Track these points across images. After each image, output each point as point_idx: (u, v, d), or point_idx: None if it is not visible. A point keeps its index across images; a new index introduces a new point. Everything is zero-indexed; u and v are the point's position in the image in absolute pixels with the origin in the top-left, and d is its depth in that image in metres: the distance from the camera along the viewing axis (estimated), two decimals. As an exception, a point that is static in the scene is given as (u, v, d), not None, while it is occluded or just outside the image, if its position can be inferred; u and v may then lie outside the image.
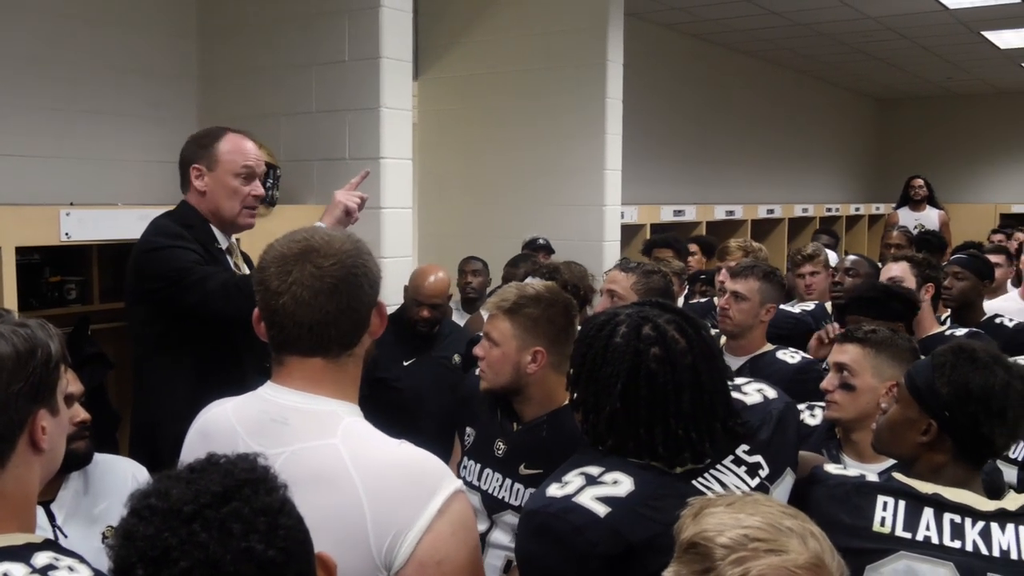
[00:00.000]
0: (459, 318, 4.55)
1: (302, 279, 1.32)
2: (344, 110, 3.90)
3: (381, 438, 1.34)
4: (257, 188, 2.57)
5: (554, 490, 1.43)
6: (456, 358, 3.66)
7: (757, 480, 1.56)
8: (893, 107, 12.18)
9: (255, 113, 4.12)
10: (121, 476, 1.90)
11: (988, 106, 11.35)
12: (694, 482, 1.49)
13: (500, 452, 2.14)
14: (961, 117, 11.54)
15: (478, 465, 2.19)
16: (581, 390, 1.54)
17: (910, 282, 3.27)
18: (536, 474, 2.03)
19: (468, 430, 2.27)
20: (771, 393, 1.69)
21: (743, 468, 1.56)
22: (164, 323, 2.46)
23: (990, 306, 3.94)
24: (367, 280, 1.38)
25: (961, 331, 3.15)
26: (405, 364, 3.59)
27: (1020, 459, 2.20)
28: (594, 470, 1.45)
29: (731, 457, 1.56)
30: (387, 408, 3.45)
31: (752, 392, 1.67)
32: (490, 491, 2.13)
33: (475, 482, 2.17)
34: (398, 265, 3.84)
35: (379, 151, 3.81)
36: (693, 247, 4.78)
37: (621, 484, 1.41)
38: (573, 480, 1.44)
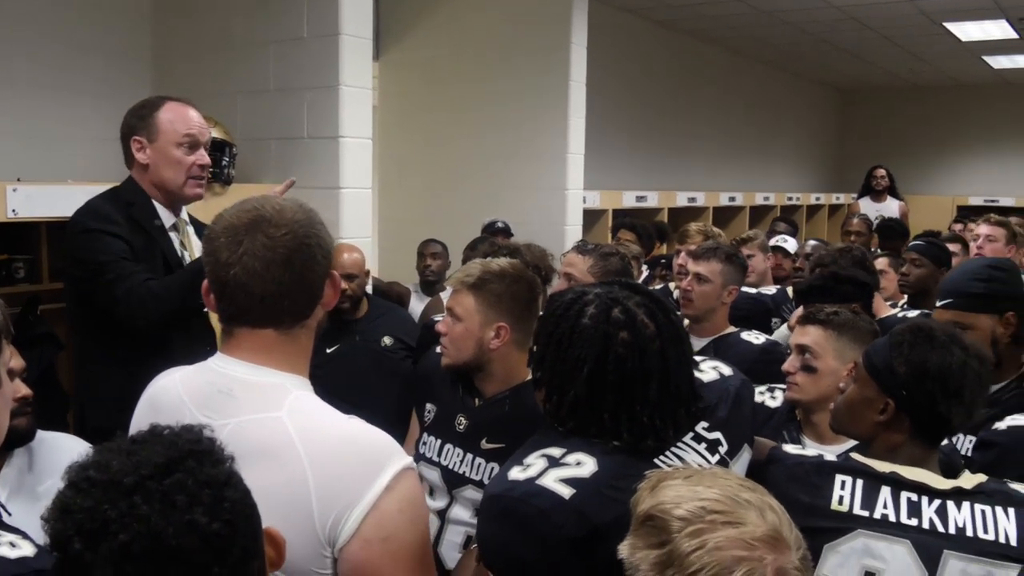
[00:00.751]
0: (418, 301, 4.52)
1: (253, 249, 1.28)
2: (303, 88, 3.84)
3: (330, 412, 1.31)
4: (203, 157, 2.49)
5: (516, 473, 1.39)
6: (386, 340, 3.61)
7: (717, 456, 1.54)
8: (856, 98, 12.29)
9: (211, 91, 4.04)
10: (67, 454, 1.83)
11: (948, 99, 11.47)
12: (656, 460, 1.46)
13: (461, 427, 2.13)
14: (922, 109, 11.66)
15: (438, 441, 2.17)
16: (545, 370, 1.50)
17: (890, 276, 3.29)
18: (498, 448, 2.03)
19: (428, 406, 2.25)
20: (727, 370, 1.68)
21: (703, 445, 1.54)
22: (85, 304, 2.40)
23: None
24: (320, 250, 1.35)
25: (913, 313, 3.18)
26: (328, 351, 3.54)
27: (966, 454, 2.21)
28: (556, 452, 1.42)
29: (691, 434, 1.54)
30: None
31: (708, 370, 1.66)
32: (450, 466, 2.12)
33: (435, 458, 2.16)
34: (358, 246, 3.78)
35: (338, 130, 3.76)
36: (629, 235, 4.78)
37: (584, 465, 1.38)
38: (535, 462, 1.40)
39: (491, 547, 1.40)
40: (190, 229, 2.58)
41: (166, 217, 2.50)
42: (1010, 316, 2.44)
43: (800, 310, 3.06)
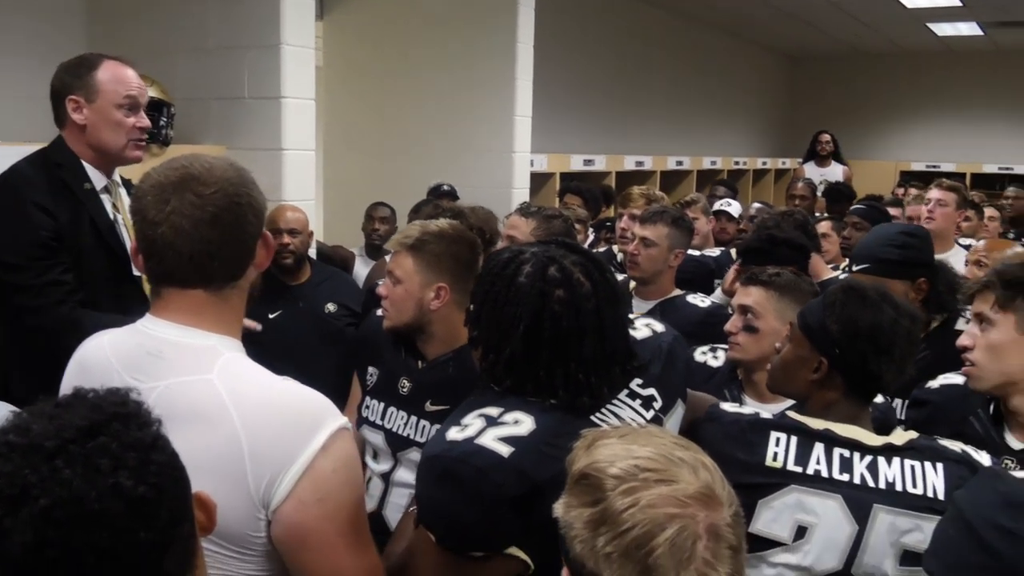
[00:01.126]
0: (363, 265, 4.48)
1: (181, 208, 1.25)
2: (243, 47, 3.74)
3: (262, 374, 1.29)
4: (142, 119, 2.41)
5: (454, 433, 1.40)
6: (330, 306, 3.59)
7: (652, 412, 1.56)
8: (803, 64, 12.39)
9: (148, 49, 3.91)
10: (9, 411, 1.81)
11: (894, 66, 11.61)
12: (592, 418, 1.48)
13: (405, 390, 2.12)
14: (868, 76, 11.79)
15: (381, 404, 2.16)
16: (482, 329, 1.51)
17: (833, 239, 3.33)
18: (443, 410, 2.02)
19: (370, 370, 2.23)
20: (659, 327, 1.69)
21: (638, 401, 1.56)
22: None
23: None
24: (251, 209, 1.32)
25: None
26: (271, 317, 3.51)
27: (902, 417, 2.26)
28: (493, 411, 1.42)
29: (626, 391, 1.55)
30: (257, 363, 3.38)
31: (641, 327, 1.67)
32: (394, 429, 2.11)
33: (378, 421, 2.15)
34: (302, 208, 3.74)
35: (280, 90, 3.67)
36: (576, 200, 4.78)
37: (522, 424, 1.39)
38: (473, 422, 1.41)
39: (431, 509, 1.40)
40: (122, 191, 2.49)
41: (97, 179, 2.40)
42: (922, 282, 2.55)
43: (732, 272, 3.12)
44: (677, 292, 3.09)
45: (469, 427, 1.40)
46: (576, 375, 1.44)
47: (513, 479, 1.33)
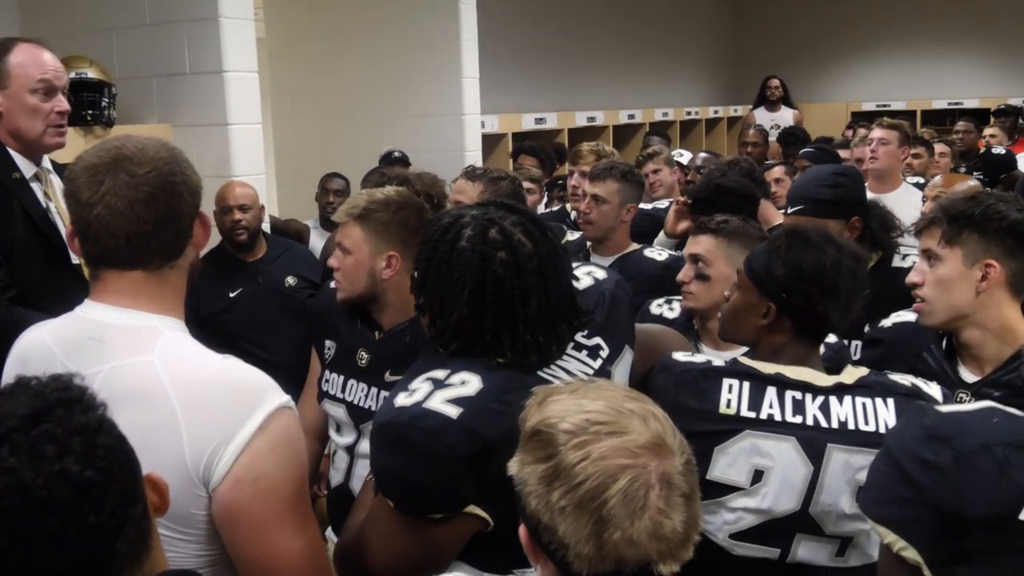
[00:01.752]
0: (319, 237, 4.46)
1: (115, 188, 1.25)
2: (180, 21, 3.67)
3: (202, 353, 1.30)
4: (61, 103, 2.35)
5: (402, 399, 1.41)
6: (290, 280, 3.58)
7: (599, 362, 1.58)
8: (746, 8, 12.34)
9: (84, 27, 3.84)
10: None
11: (838, 6, 11.57)
12: (540, 373, 1.50)
13: (364, 362, 2.12)
14: (813, 17, 11.76)
15: (341, 377, 2.15)
16: (427, 294, 1.51)
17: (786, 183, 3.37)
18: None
19: (327, 343, 2.23)
20: (600, 274, 1.71)
21: (584, 352, 1.58)
22: None
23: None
24: (187, 188, 1.32)
25: None
26: (231, 295, 3.50)
27: (857, 357, 2.31)
28: (440, 374, 1.44)
29: (571, 344, 1.57)
30: (220, 344, 3.38)
31: (583, 276, 1.69)
32: (355, 402, 2.11)
33: (339, 394, 2.15)
34: (251, 184, 3.70)
35: (221, 64, 3.62)
36: (530, 160, 4.76)
37: (469, 384, 1.41)
38: (420, 387, 1.42)
39: (386, 475, 1.42)
40: (54, 178, 2.43)
41: (26, 168, 2.35)
42: (855, 220, 2.60)
43: (672, 212, 3.14)
44: (634, 247, 3.10)
45: (417, 391, 1.41)
46: (524, 335, 1.46)
47: (464, 439, 1.35)
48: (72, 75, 3.27)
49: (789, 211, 2.66)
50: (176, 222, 1.32)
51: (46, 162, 2.44)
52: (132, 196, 1.26)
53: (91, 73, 3.52)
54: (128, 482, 0.91)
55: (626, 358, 1.66)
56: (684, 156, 4.86)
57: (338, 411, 2.15)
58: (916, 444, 1.01)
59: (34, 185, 2.37)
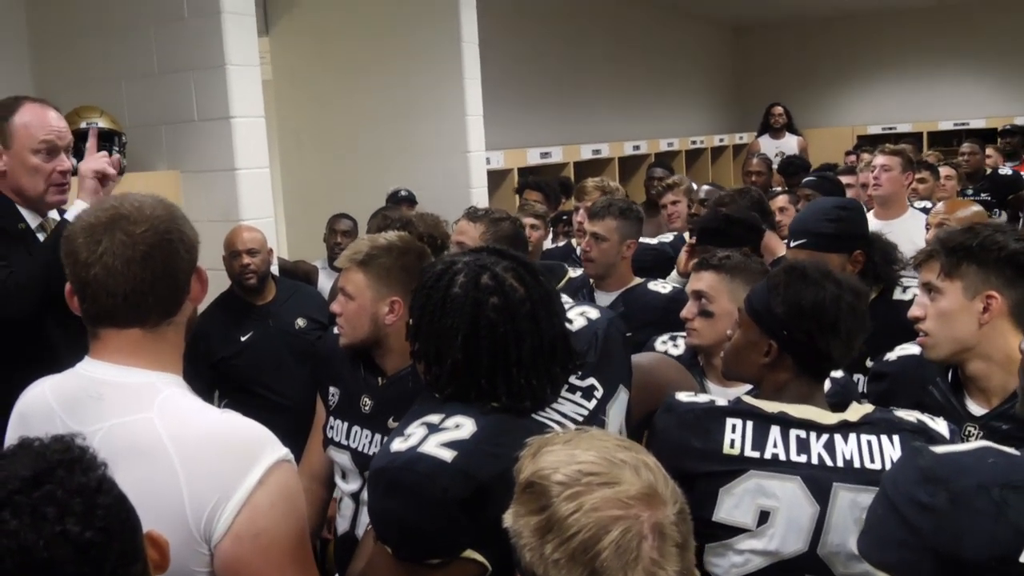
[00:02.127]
0: (327, 278, 4.48)
1: (112, 248, 1.27)
2: (188, 70, 3.74)
3: (201, 409, 1.31)
4: (63, 163, 2.37)
5: (398, 444, 1.42)
6: (300, 322, 3.61)
7: (594, 402, 1.59)
8: (748, 35, 12.39)
9: (94, 77, 3.92)
10: None
11: (840, 30, 11.62)
12: (534, 416, 1.51)
13: (367, 408, 2.12)
14: (815, 42, 11.81)
15: (345, 424, 2.16)
16: (422, 341, 1.53)
17: (790, 211, 3.37)
18: None
19: (332, 389, 2.23)
20: (593, 314, 1.73)
21: (578, 394, 1.59)
22: None
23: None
24: (183, 245, 1.34)
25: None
26: (243, 339, 3.52)
27: (863, 391, 2.30)
28: (435, 418, 1.45)
29: (566, 386, 1.58)
30: (232, 387, 3.40)
31: (576, 317, 1.70)
32: (360, 448, 2.11)
33: (343, 441, 2.15)
34: (259, 227, 3.73)
35: (228, 110, 3.68)
36: (535, 195, 4.77)
37: (463, 427, 1.42)
38: (415, 431, 1.43)
39: (383, 520, 1.43)
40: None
41: (31, 218, 2.39)
42: (858, 254, 2.59)
43: (684, 252, 3.15)
44: (637, 280, 3.11)
45: (412, 436, 1.43)
46: (518, 379, 1.47)
47: (458, 482, 1.35)
48: (83, 125, 3.33)
49: (791, 244, 2.66)
50: (173, 279, 1.33)
51: (53, 213, 2.47)
52: (129, 255, 1.28)
53: (102, 123, 3.58)
54: (128, 541, 0.92)
55: (621, 397, 1.67)
56: (701, 190, 4.84)
57: (343, 458, 2.15)
58: (912, 486, 1.01)
59: (40, 235, 2.40)
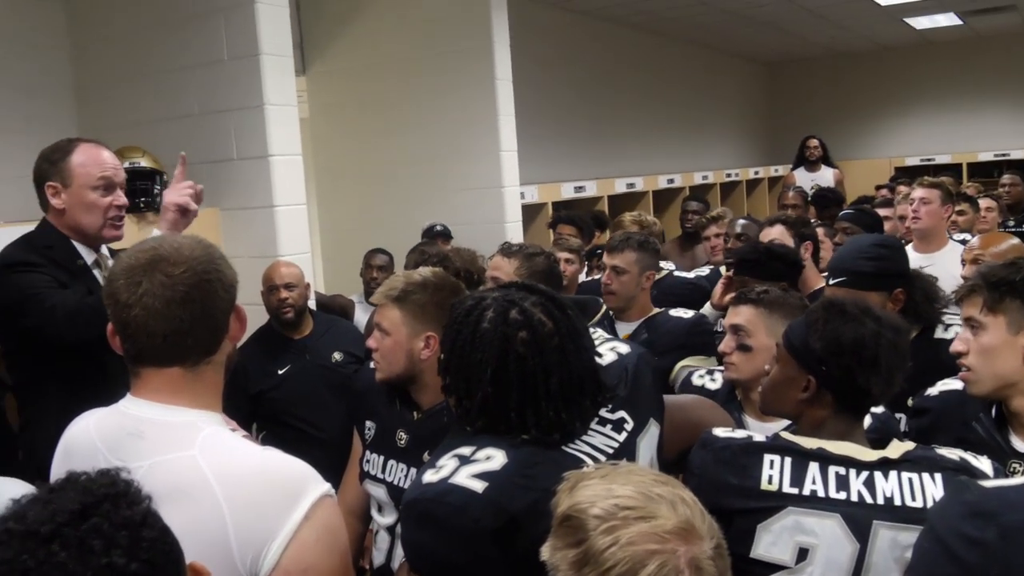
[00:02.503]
0: (363, 312, 4.52)
1: (152, 289, 1.30)
2: (227, 110, 3.82)
3: (243, 446, 1.32)
4: (119, 198, 2.47)
5: (429, 476, 1.44)
6: (336, 356, 3.64)
7: (624, 435, 1.60)
8: (782, 70, 12.40)
9: (136, 120, 4.01)
10: (9, 498, 1.84)
11: (874, 62, 11.62)
12: (564, 448, 1.52)
13: (403, 442, 2.13)
14: (850, 75, 11.80)
15: (381, 457, 2.17)
16: (452, 376, 1.55)
17: (788, 242, 3.36)
18: None
19: (368, 423, 2.25)
20: (623, 348, 1.74)
21: (608, 426, 1.60)
22: (21, 349, 2.40)
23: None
24: (221, 285, 1.36)
25: None
26: (280, 373, 3.56)
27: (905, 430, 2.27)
28: (466, 450, 1.47)
29: (595, 419, 1.59)
30: (269, 420, 3.44)
31: (606, 352, 1.71)
32: (395, 482, 2.12)
33: (379, 475, 2.16)
34: (297, 262, 3.77)
35: (267, 149, 3.75)
36: (569, 229, 4.79)
37: (494, 459, 1.44)
38: (447, 463, 1.45)
39: (416, 552, 1.44)
40: (111, 263, 2.54)
41: (87, 255, 2.47)
42: (899, 293, 2.54)
43: (721, 284, 3.14)
44: (658, 309, 3.13)
45: (443, 468, 1.44)
46: (547, 412, 1.48)
47: (489, 513, 1.37)
48: (126, 164, 3.40)
49: (831, 283, 2.63)
50: (212, 319, 1.35)
51: (104, 249, 2.56)
52: (169, 296, 1.30)
53: (143, 162, 3.66)
54: (172, 573, 0.93)
55: (652, 431, 1.68)
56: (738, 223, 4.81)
57: (379, 491, 2.16)
58: (959, 520, 1.00)
59: (96, 271, 2.49)
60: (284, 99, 3.80)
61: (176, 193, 2.44)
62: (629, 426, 1.61)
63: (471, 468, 1.42)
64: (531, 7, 6.83)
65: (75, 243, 2.45)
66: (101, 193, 2.42)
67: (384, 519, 2.17)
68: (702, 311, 3.21)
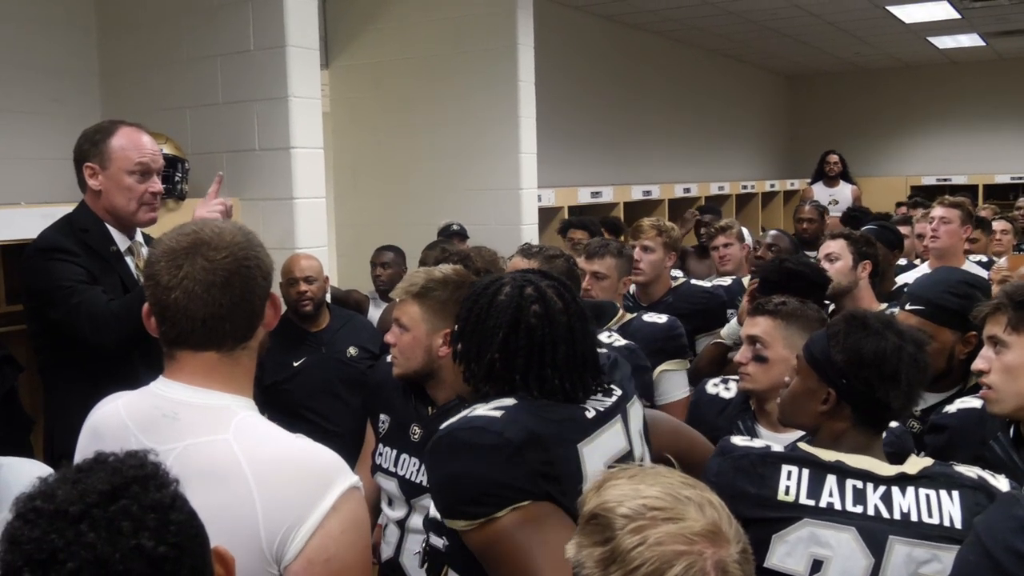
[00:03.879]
0: (376, 308, 4.53)
1: (193, 273, 1.30)
2: (251, 100, 3.83)
3: (276, 432, 1.32)
4: (155, 184, 2.48)
5: (450, 421, 1.54)
6: (351, 350, 3.65)
7: (615, 397, 1.68)
8: (803, 83, 12.39)
9: (160, 106, 4.02)
10: (28, 480, 1.84)
11: (896, 80, 11.60)
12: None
13: (416, 437, 2.15)
14: (870, 92, 11.77)
15: (394, 451, 2.18)
16: (465, 341, 1.63)
17: (847, 259, 3.30)
18: None
19: (382, 417, 2.26)
20: (606, 342, 1.87)
21: (599, 393, 1.68)
22: (49, 331, 2.41)
23: (902, 277, 4.06)
24: (259, 272, 1.37)
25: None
26: (295, 364, 3.57)
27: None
28: (478, 405, 1.56)
29: None
30: (282, 412, 3.45)
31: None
32: (407, 476, 2.13)
33: (392, 468, 2.17)
34: (315, 256, 3.78)
35: (289, 141, 3.75)
36: (580, 233, 4.79)
37: (505, 402, 1.54)
38: (462, 413, 1.55)
39: (450, 485, 1.50)
40: (144, 250, 2.56)
41: (121, 241, 2.49)
42: (971, 336, 2.39)
43: (747, 299, 3.12)
44: (630, 315, 3.14)
45: (460, 415, 1.54)
46: (551, 380, 1.57)
47: (512, 428, 1.47)
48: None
49: (907, 307, 2.51)
50: (249, 305, 1.36)
51: (138, 235, 2.58)
52: (210, 280, 1.30)
53: (166, 149, 3.67)
54: (198, 556, 0.93)
55: (637, 405, 1.76)
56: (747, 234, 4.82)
57: (390, 485, 2.17)
58: (1010, 535, 0.99)
59: (128, 259, 2.51)
60: (309, 92, 3.81)
61: (206, 209, 2.49)
62: (617, 392, 1.69)
63: (487, 406, 1.54)
64: (555, 9, 6.84)
65: (110, 228, 2.47)
66: (138, 179, 2.44)
67: (394, 513, 2.18)
68: (729, 326, 3.19)
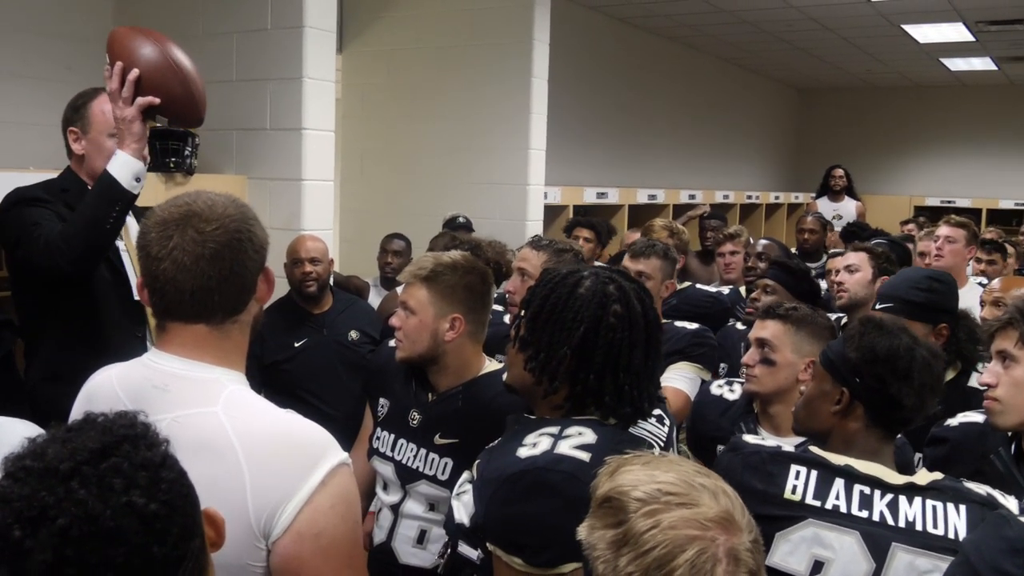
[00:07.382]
0: (377, 296, 4.52)
1: (183, 244, 1.29)
2: (265, 79, 3.82)
3: (266, 407, 1.31)
4: None
5: (526, 452, 1.46)
6: (353, 334, 3.65)
7: (667, 428, 1.68)
8: (814, 97, 12.41)
9: (172, 80, 4.00)
10: (17, 441, 1.83)
11: (906, 100, 11.62)
12: (632, 431, 1.59)
13: (415, 422, 2.13)
14: (880, 109, 11.79)
15: (392, 435, 2.17)
16: (537, 330, 1.57)
17: (866, 272, 3.32)
18: (451, 444, 2.05)
19: (381, 401, 2.25)
20: None
21: (653, 419, 1.68)
22: (24, 287, 2.41)
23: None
24: (252, 245, 1.35)
25: None
26: (296, 345, 3.57)
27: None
28: (553, 429, 1.50)
29: None
30: (281, 392, 3.45)
31: None
32: (404, 461, 2.12)
33: (388, 452, 2.16)
34: (320, 238, 3.78)
35: (300, 122, 3.75)
36: (587, 232, 4.78)
37: (585, 435, 1.48)
38: (540, 440, 1.48)
39: (521, 525, 1.44)
40: (129, 219, 2.51)
41: None
42: (943, 328, 2.57)
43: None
44: (666, 321, 3.11)
45: (539, 444, 1.47)
46: (623, 384, 1.53)
47: None
48: (158, 124, 3.41)
49: (878, 307, 2.67)
50: (240, 278, 1.34)
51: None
52: (198, 252, 1.29)
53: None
54: (188, 515, 0.93)
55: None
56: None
57: (386, 469, 2.16)
58: (998, 556, 0.99)
59: None
60: (323, 74, 3.81)
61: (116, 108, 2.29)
62: (667, 422, 1.67)
63: (569, 441, 1.46)
64: (571, 8, 6.84)
65: None
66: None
67: (389, 497, 2.16)
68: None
